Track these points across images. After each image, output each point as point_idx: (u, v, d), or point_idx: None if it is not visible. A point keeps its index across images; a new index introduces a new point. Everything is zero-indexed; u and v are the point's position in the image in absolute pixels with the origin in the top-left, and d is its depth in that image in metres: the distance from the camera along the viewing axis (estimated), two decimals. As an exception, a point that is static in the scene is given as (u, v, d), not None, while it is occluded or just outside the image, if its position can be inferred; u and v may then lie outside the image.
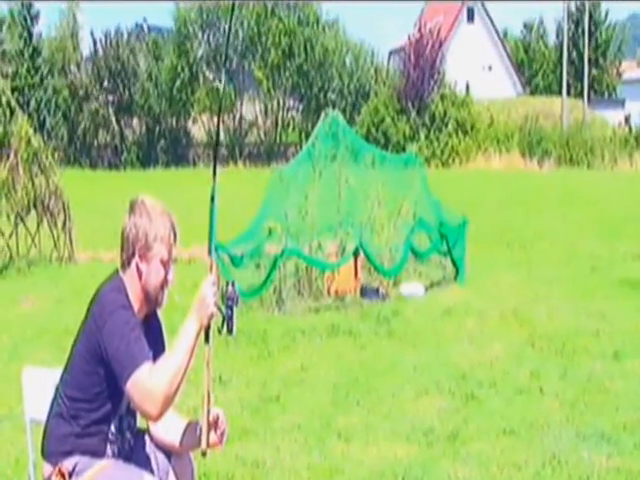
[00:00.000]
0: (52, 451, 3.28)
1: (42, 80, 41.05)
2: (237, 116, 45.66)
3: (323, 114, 11.59)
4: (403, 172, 12.28)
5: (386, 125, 38.93)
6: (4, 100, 13.17)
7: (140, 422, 3.45)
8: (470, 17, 55.75)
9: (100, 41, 43.57)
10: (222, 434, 3.26)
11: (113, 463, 3.26)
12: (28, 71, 40.43)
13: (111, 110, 43.13)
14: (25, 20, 41.21)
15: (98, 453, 3.26)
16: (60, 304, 9.93)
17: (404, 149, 33.77)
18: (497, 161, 37.68)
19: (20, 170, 12.76)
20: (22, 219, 12.90)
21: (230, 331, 3.20)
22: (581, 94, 47.56)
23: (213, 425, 3.22)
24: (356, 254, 10.29)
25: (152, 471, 3.36)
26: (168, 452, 3.41)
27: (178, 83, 43.66)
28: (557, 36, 55.59)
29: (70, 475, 3.22)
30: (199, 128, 44.70)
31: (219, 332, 3.17)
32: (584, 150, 37.90)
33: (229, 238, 9.98)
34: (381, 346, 8.17)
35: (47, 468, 3.29)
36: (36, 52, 41.32)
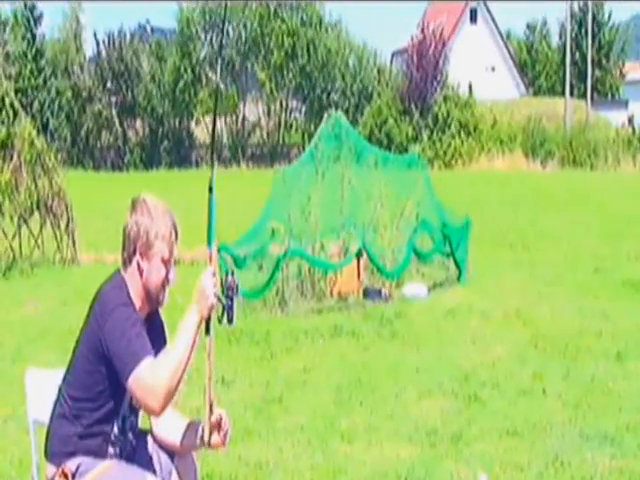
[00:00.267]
0: (55, 452, 3.28)
1: (45, 81, 41.13)
2: (240, 117, 45.70)
3: (326, 115, 11.60)
4: (406, 173, 12.29)
5: (389, 126, 38.94)
6: (7, 101, 13.19)
7: (142, 423, 3.46)
8: (473, 18, 55.71)
9: (103, 42, 43.66)
10: (225, 435, 3.26)
11: (116, 464, 3.27)
12: (31, 72, 40.51)
13: (114, 111, 43.20)
14: (28, 22, 41.32)
15: (101, 454, 3.27)
16: (63, 305, 9.94)
17: (407, 150, 33.74)
18: (500, 162, 37.67)
19: (23, 171, 12.78)
20: (25, 220, 12.91)
21: (230, 321, 3.19)
22: (584, 95, 47.54)
23: (216, 426, 3.22)
24: (359, 255, 10.29)
25: (155, 472, 3.36)
26: (171, 452, 3.40)
27: (181, 84, 43.72)
28: (560, 37, 55.55)
29: (73, 476, 3.22)
30: (202, 129, 44.73)
31: (219, 322, 3.17)
32: (587, 151, 37.89)
33: (232, 239, 9.99)
34: (384, 347, 8.17)
35: (50, 469, 3.30)
36: (39, 53, 41.41)
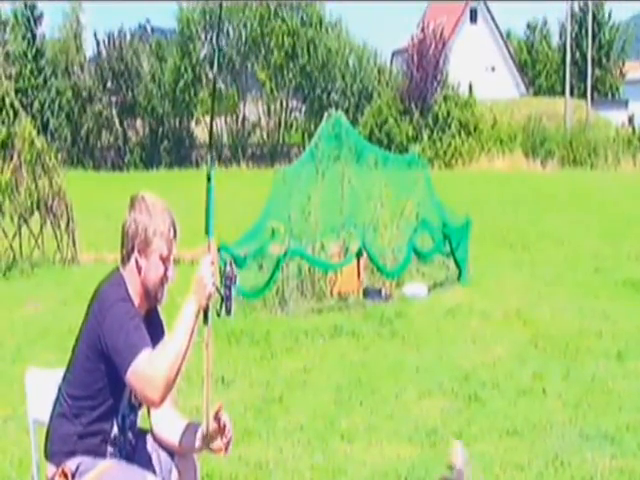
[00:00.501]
0: (55, 452, 3.28)
1: (45, 81, 41.13)
2: (240, 117, 45.71)
3: (326, 115, 11.60)
4: (406, 173, 12.29)
5: (389, 126, 38.94)
6: (8, 101, 13.20)
7: (142, 422, 3.46)
8: (473, 18, 55.70)
9: (103, 42, 43.65)
10: (228, 442, 3.25)
11: (116, 464, 3.27)
12: (31, 72, 40.50)
13: (114, 111, 43.19)
14: (28, 21, 41.31)
15: (100, 453, 3.27)
16: (63, 305, 9.94)
17: (407, 150, 33.75)
18: (500, 162, 37.67)
19: (23, 171, 12.78)
20: (25, 220, 12.91)
21: (228, 312, 3.20)
22: (584, 95, 47.53)
23: (220, 432, 3.22)
24: (359, 255, 10.28)
25: (154, 471, 3.36)
26: (171, 452, 3.41)
27: (181, 84, 43.72)
28: (560, 37, 55.54)
29: (73, 476, 3.22)
30: (202, 129, 44.72)
31: (218, 315, 3.17)
32: (587, 151, 37.88)
33: (232, 239, 9.99)
34: (384, 347, 8.17)
35: (50, 469, 3.30)
36: (39, 53, 41.40)
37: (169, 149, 43.82)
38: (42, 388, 3.56)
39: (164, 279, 3.28)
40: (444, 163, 37.41)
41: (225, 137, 45.29)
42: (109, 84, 43.20)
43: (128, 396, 3.30)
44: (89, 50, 45.26)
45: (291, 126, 46.01)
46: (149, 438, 3.43)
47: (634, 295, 10.39)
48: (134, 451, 3.39)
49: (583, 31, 52.06)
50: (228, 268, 2.73)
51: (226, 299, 3.14)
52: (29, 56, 40.74)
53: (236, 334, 8.49)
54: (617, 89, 56.74)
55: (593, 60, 51.00)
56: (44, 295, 10.73)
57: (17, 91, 29.02)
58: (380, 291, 10.40)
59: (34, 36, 41.43)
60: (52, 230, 13.01)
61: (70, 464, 3.23)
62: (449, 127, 38.62)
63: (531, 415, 6.11)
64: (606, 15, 55.75)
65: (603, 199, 22.52)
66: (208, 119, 44.08)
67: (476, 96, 41.53)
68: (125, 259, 3.29)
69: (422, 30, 40.37)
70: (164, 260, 3.26)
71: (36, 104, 39.68)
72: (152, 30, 50.68)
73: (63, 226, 13.07)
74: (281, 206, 10.61)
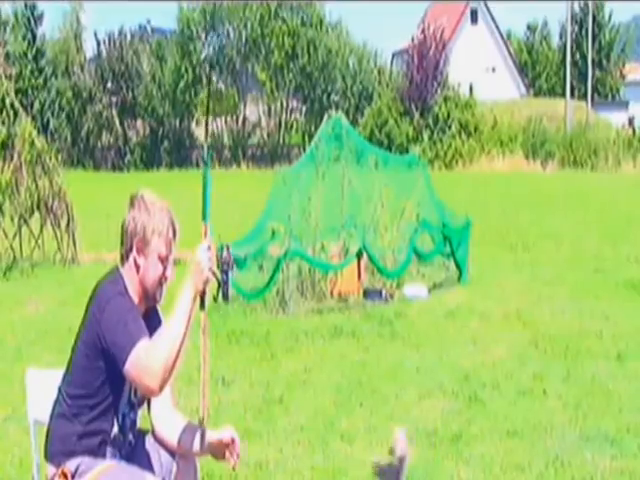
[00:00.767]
0: (55, 452, 3.28)
1: (46, 82, 41.14)
2: (240, 117, 45.71)
3: (326, 116, 11.61)
4: (406, 174, 12.29)
5: (389, 127, 38.94)
6: (8, 102, 13.19)
7: (143, 423, 3.45)
8: (473, 19, 55.74)
9: (104, 43, 43.63)
10: (237, 456, 3.25)
11: (116, 464, 3.26)
12: (32, 72, 40.51)
13: (114, 112, 43.19)
14: (29, 21, 41.31)
15: (100, 453, 3.26)
16: (64, 306, 9.93)
17: (407, 151, 33.75)
18: (500, 163, 37.68)
19: (24, 171, 12.78)
20: (25, 221, 12.91)
21: (226, 296, 3.20)
22: (585, 96, 47.56)
23: (226, 446, 3.23)
24: (359, 255, 10.29)
25: (154, 471, 3.36)
26: (172, 452, 3.40)
27: (182, 85, 43.74)
28: (560, 38, 55.58)
29: (73, 476, 3.22)
30: (202, 130, 44.74)
31: (214, 300, 3.17)
32: (588, 152, 37.89)
33: (232, 239, 9.98)
34: (384, 348, 8.17)
35: (50, 469, 3.29)
36: (40, 53, 41.41)
37: (169, 149, 43.82)
38: (42, 388, 3.56)
39: (163, 279, 3.28)
40: (444, 164, 37.42)
41: (225, 138, 45.30)
42: (109, 84, 43.20)
43: (127, 394, 3.30)
44: (89, 50, 45.32)
45: (291, 127, 46.02)
46: (150, 438, 3.42)
47: (634, 296, 10.38)
48: (134, 451, 3.39)
49: (583, 32, 52.12)
50: (225, 253, 2.72)
51: (223, 284, 3.11)
52: (29, 56, 40.74)
53: (236, 334, 8.49)
54: (617, 90, 56.79)
55: (593, 61, 51.04)
56: (44, 295, 10.73)
57: (17, 91, 28.94)
58: (380, 292, 10.40)
59: (34, 36, 41.43)
60: (52, 230, 13.01)
61: (70, 465, 3.23)
62: (449, 128, 38.63)
63: (531, 416, 6.11)
64: (606, 16, 55.82)
65: (603, 200, 22.52)
66: (209, 120, 44.12)
67: (476, 97, 41.55)
68: (124, 257, 3.29)
69: (422, 31, 40.38)
70: (163, 260, 3.26)
71: (36, 104, 39.69)
72: (152, 30, 50.62)
73: (63, 226, 13.07)
74: (281, 207, 10.61)
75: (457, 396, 6.59)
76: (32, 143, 12.98)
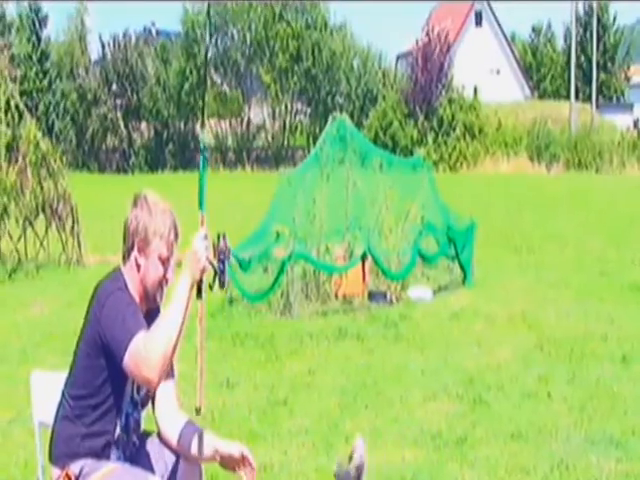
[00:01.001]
0: (59, 455, 3.28)
1: (50, 84, 41.21)
2: (245, 120, 45.73)
3: (331, 118, 11.60)
4: (411, 176, 12.29)
5: (394, 129, 38.95)
6: (13, 104, 13.22)
7: (148, 424, 3.45)
8: (478, 21, 55.75)
9: (108, 45, 43.70)
10: (253, 469, 3.25)
11: (120, 466, 3.26)
12: (36, 75, 40.59)
13: (119, 114, 43.24)
14: (33, 24, 41.39)
15: (104, 455, 3.26)
16: (69, 308, 9.93)
17: (412, 153, 33.73)
18: (505, 165, 37.68)
19: (28, 174, 12.81)
20: (31, 223, 12.94)
21: (222, 285, 3.17)
22: (589, 98, 47.52)
23: (240, 461, 3.23)
24: (364, 258, 10.28)
25: (159, 473, 3.35)
26: (177, 453, 3.40)
27: (186, 87, 43.74)
28: (565, 40, 55.54)
29: (77, 478, 3.21)
30: (207, 132, 44.71)
31: (210, 288, 3.15)
32: (592, 154, 37.88)
33: (237, 241, 9.99)
34: (389, 350, 8.17)
35: (55, 472, 3.29)
36: (44, 56, 41.49)
37: (174, 152, 43.84)
38: (47, 391, 3.56)
39: (163, 281, 3.27)
40: (449, 166, 37.43)
41: (230, 140, 45.31)
42: (114, 87, 43.24)
43: (130, 392, 3.29)
44: (94, 53, 45.38)
45: (296, 129, 46.02)
46: (154, 439, 3.42)
47: (639, 298, 10.36)
48: (138, 452, 3.38)
49: (588, 34, 52.08)
50: (222, 242, 2.72)
51: (220, 273, 3.06)
52: (34, 58, 40.82)
53: (241, 337, 8.50)
54: (622, 93, 56.73)
55: (598, 63, 51.00)
56: (49, 297, 10.74)
57: (22, 93, 28.95)
58: (385, 294, 10.39)
59: (39, 39, 41.51)
60: (57, 232, 13.04)
61: (74, 467, 3.22)
62: (454, 130, 38.63)
63: (536, 419, 6.10)
64: (611, 18, 55.76)
65: (608, 202, 22.50)
66: (213, 122, 44.11)
67: (481, 99, 41.54)
68: (126, 256, 3.29)
69: (427, 33, 40.39)
70: (163, 261, 3.25)
71: (41, 106, 39.77)
72: (157, 33, 50.73)
73: (68, 228, 13.09)
74: (286, 209, 10.61)
75: (462, 398, 6.59)
76: (37, 145, 13.01)
